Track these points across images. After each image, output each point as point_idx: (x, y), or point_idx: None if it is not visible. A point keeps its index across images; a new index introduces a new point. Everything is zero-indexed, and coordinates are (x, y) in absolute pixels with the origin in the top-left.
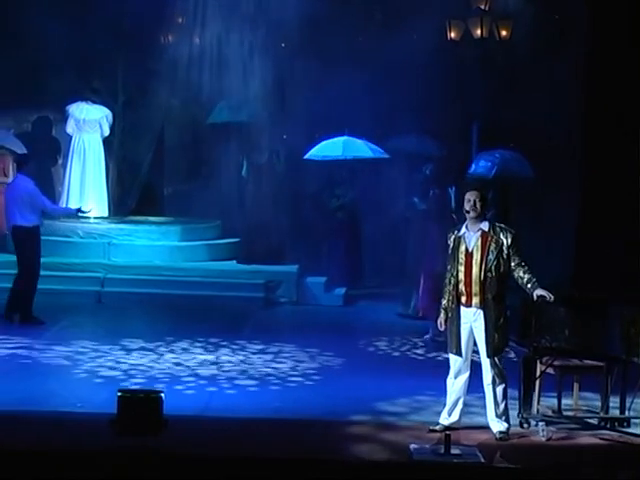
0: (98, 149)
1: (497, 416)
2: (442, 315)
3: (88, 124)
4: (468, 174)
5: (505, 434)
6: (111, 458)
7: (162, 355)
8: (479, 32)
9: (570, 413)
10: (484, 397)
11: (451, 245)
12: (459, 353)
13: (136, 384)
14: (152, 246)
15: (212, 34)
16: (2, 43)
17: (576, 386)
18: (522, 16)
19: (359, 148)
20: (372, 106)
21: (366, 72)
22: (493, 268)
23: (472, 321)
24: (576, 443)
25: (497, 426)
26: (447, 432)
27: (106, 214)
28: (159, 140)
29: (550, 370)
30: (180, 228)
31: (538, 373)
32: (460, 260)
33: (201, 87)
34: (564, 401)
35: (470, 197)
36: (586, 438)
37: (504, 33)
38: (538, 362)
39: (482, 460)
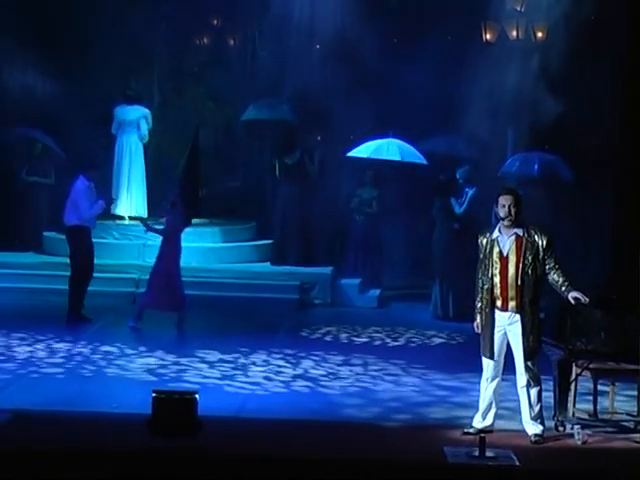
0: (136, 150)
1: (532, 419)
2: (477, 318)
3: (128, 125)
4: (501, 172)
5: (540, 437)
6: (145, 458)
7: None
8: (515, 33)
9: (606, 416)
10: (519, 400)
11: (483, 249)
12: (492, 357)
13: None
14: (187, 248)
15: (246, 36)
16: (40, 45)
17: (612, 389)
18: (558, 17)
19: (412, 153)
20: (407, 107)
21: (400, 74)
22: (530, 271)
23: (507, 325)
24: (612, 447)
25: (532, 429)
26: (482, 434)
27: (145, 215)
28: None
29: (586, 373)
30: (215, 230)
31: (573, 376)
32: (495, 264)
33: (236, 88)
34: (600, 404)
35: (505, 202)
36: (622, 442)
37: (540, 34)
38: (574, 365)
39: (517, 463)
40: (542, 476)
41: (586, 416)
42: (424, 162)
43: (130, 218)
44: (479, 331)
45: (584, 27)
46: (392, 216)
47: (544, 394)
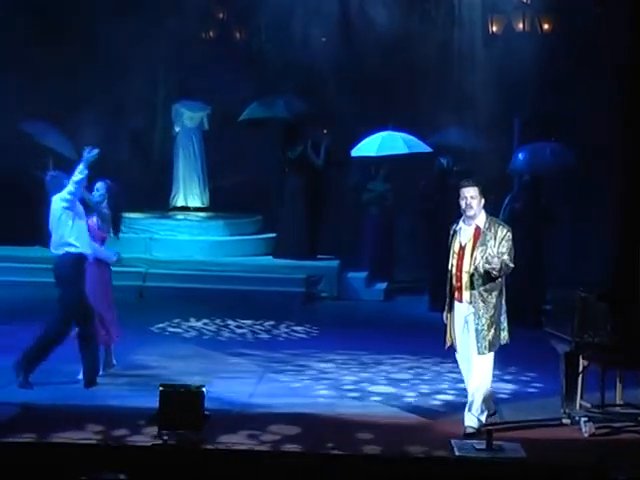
0: (199, 143)
1: (470, 410)
2: (446, 308)
3: (190, 119)
4: (509, 169)
5: (473, 429)
6: (152, 452)
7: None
8: (521, 26)
9: (613, 409)
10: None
11: (449, 240)
12: (454, 348)
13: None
14: (193, 241)
15: (251, 29)
16: (44, 43)
17: (619, 382)
18: (564, 10)
19: (395, 145)
20: (415, 100)
21: (408, 66)
22: (481, 263)
23: (465, 315)
24: (618, 439)
25: (467, 420)
26: (489, 427)
27: (206, 204)
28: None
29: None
30: (221, 223)
31: (581, 368)
32: (454, 255)
33: (240, 84)
34: (606, 396)
35: (465, 194)
36: (629, 434)
37: (546, 27)
38: (580, 357)
39: (524, 455)
40: (549, 468)
41: (593, 408)
42: (428, 150)
43: (195, 209)
44: (446, 321)
45: (590, 20)
46: (403, 209)
47: (547, 387)
